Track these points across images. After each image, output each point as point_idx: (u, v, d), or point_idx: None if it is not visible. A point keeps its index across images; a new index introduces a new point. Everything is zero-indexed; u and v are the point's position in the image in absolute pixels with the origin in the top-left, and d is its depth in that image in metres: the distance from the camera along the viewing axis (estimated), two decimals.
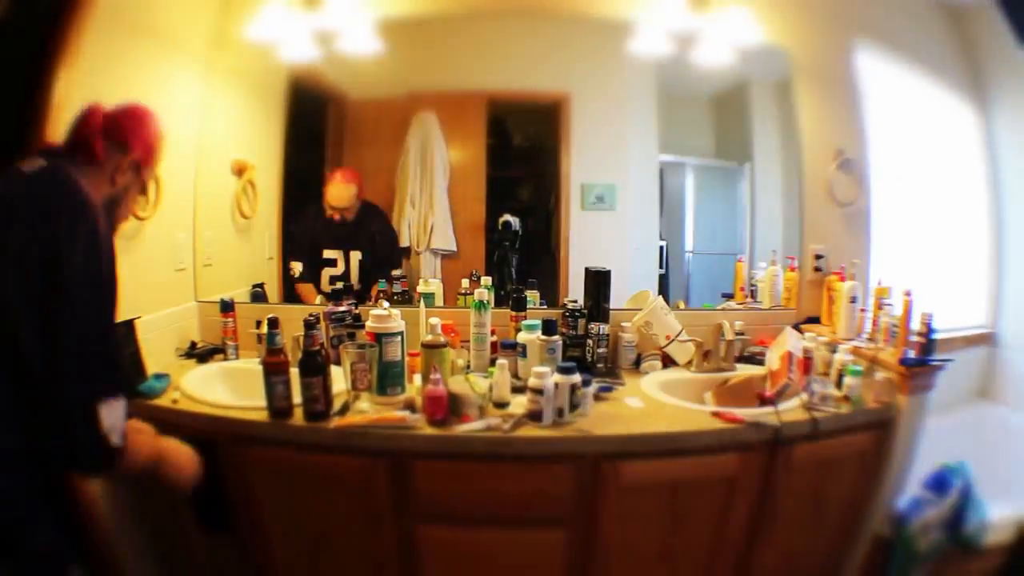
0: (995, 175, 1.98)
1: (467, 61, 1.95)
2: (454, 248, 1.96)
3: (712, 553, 1.42)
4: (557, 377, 1.32)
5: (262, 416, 1.34)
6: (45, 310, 0.90)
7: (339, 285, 1.91)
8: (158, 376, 1.49)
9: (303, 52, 1.84)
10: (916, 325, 1.49)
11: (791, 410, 1.40)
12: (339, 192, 1.93)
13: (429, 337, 1.46)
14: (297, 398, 1.33)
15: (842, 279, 1.79)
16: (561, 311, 1.72)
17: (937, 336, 1.44)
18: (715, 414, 1.37)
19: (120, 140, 1.08)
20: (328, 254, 1.99)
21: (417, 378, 1.55)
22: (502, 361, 1.44)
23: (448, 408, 1.32)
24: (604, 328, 1.68)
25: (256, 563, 1.45)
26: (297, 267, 1.99)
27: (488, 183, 1.95)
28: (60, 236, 0.92)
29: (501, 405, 1.40)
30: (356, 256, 1.98)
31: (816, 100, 1.91)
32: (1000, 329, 1.96)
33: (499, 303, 1.81)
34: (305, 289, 1.99)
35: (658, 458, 1.31)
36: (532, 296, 1.85)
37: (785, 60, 1.90)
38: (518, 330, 1.64)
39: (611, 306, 1.72)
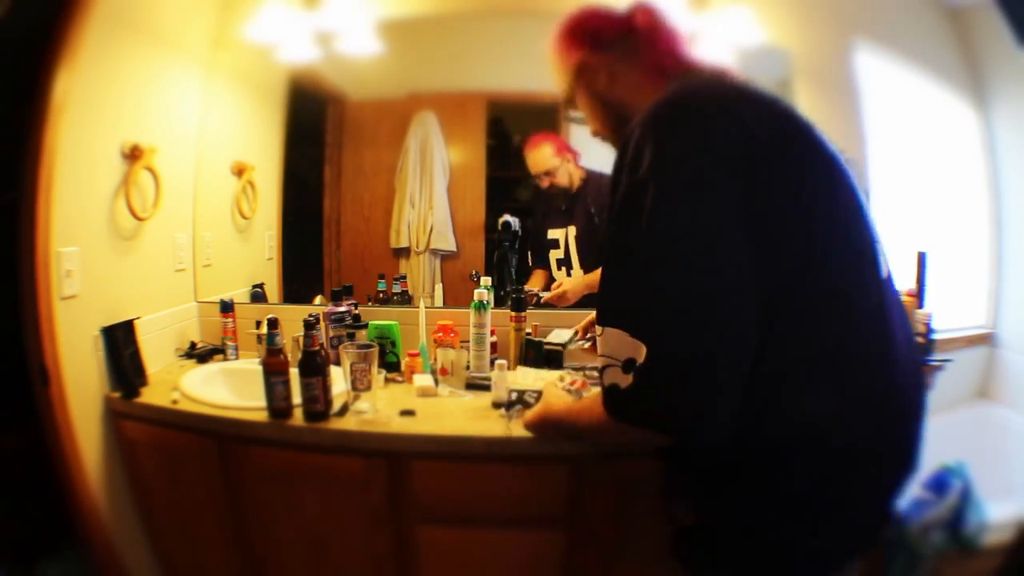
0: (995, 175, 1.98)
1: (467, 61, 1.95)
2: (454, 248, 1.96)
3: None
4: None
5: (262, 416, 1.34)
6: None
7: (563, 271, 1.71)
8: None
9: (303, 52, 1.84)
10: (916, 325, 1.49)
11: None
12: (532, 159, 1.79)
13: None
14: (297, 398, 1.34)
15: None
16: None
17: (937, 336, 1.44)
18: None
19: None
20: (552, 234, 1.81)
21: (416, 378, 1.55)
22: (501, 361, 1.44)
23: None
24: None
25: (255, 563, 1.45)
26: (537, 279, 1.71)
27: (488, 183, 1.95)
28: None
29: (499, 405, 1.40)
30: (572, 232, 1.78)
31: (816, 100, 1.91)
32: (1000, 329, 1.96)
33: (499, 303, 1.82)
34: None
35: (657, 458, 1.30)
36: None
37: (785, 60, 1.90)
38: (518, 331, 1.63)
39: None
